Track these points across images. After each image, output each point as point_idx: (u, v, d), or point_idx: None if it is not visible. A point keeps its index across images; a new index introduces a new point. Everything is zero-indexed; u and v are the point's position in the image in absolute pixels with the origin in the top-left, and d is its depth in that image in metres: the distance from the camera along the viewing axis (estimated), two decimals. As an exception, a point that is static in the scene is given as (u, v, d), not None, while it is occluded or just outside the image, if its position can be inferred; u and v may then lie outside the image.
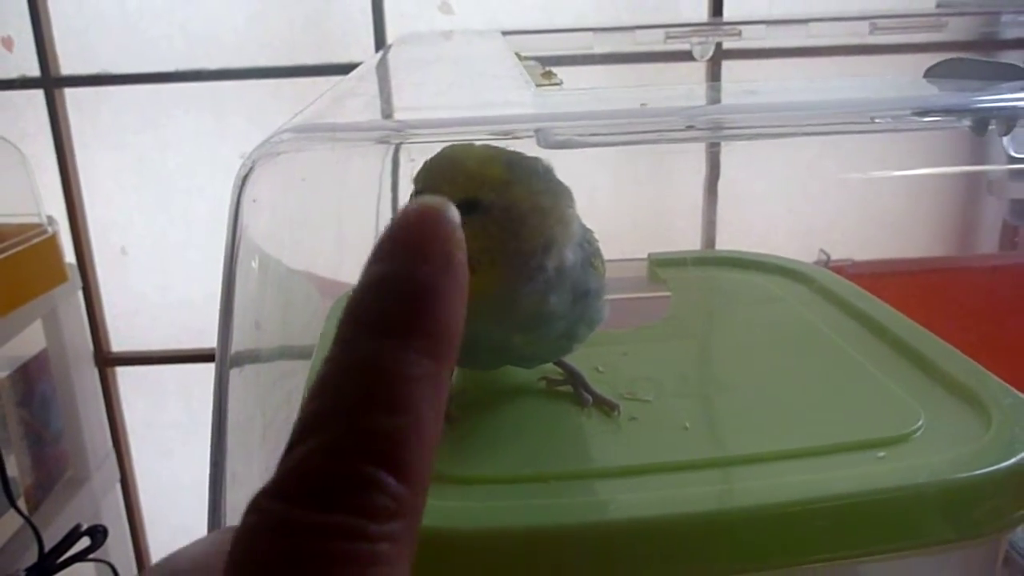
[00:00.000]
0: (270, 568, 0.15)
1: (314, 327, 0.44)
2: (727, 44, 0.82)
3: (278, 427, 0.35)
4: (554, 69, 0.69)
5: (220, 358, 0.28)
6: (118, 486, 1.08)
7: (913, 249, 1.03)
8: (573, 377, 0.37)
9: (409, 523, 0.16)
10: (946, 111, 0.28)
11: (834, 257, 0.81)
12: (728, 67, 0.93)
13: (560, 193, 0.31)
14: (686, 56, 0.72)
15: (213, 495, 0.29)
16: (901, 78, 0.28)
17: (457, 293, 0.17)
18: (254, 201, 0.25)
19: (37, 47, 0.97)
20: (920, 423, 0.33)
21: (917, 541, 0.29)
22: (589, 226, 0.36)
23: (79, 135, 1.01)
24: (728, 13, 0.93)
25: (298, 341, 0.42)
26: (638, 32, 0.69)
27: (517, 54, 0.61)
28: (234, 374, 0.31)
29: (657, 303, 0.48)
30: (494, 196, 0.29)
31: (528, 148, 0.28)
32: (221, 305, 0.28)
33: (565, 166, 0.29)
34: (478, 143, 0.29)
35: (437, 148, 0.26)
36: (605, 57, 0.80)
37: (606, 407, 0.35)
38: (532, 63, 0.56)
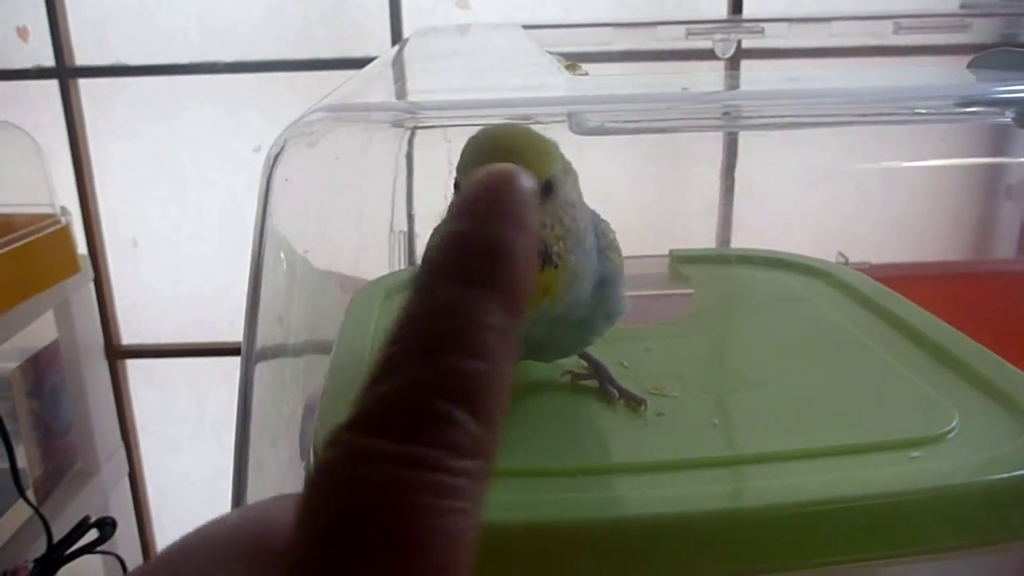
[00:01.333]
0: (355, 493, 0.15)
1: (334, 321, 0.44)
2: (748, 43, 0.81)
3: (298, 420, 0.34)
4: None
5: (247, 349, 0.27)
6: (127, 479, 1.08)
7: (930, 253, 1.02)
8: (598, 371, 0.37)
9: (485, 464, 0.16)
10: (990, 103, 0.27)
11: (852, 260, 0.81)
12: (748, 67, 0.92)
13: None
14: (707, 54, 0.72)
15: (237, 487, 0.29)
16: (942, 69, 0.28)
17: (530, 253, 0.17)
18: (286, 180, 0.25)
19: (52, 37, 0.97)
20: (954, 424, 0.32)
21: (947, 544, 0.29)
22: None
23: (93, 126, 1.01)
24: (748, 11, 0.92)
25: (319, 335, 0.42)
26: (659, 28, 0.68)
27: (542, 48, 0.60)
28: (258, 367, 0.30)
29: (679, 300, 0.47)
30: (562, 178, 0.29)
31: (559, 134, 0.27)
32: (248, 293, 0.28)
33: (582, 158, 0.28)
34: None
35: (469, 131, 0.25)
36: (625, 54, 0.79)
37: (633, 402, 0.34)
38: (555, 57, 0.55)
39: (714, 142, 0.90)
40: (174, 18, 0.98)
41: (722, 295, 0.47)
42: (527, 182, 0.18)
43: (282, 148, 0.25)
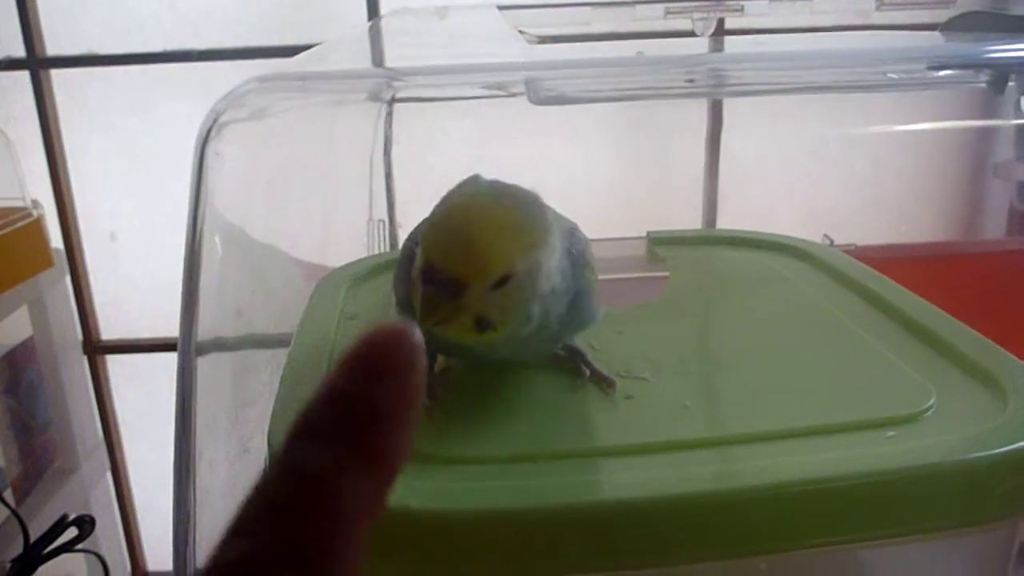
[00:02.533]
0: None
1: (292, 311, 0.43)
2: (730, 22, 0.80)
3: (252, 412, 0.33)
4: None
5: (184, 343, 0.26)
6: (108, 475, 1.06)
7: (918, 234, 1.01)
8: (573, 353, 0.36)
9: None
10: (963, 65, 0.26)
11: (837, 242, 0.80)
12: (731, 44, 0.91)
13: (543, 217, 0.31)
14: (687, 34, 0.70)
15: (179, 485, 0.28)
16: (917, 36, 0.26)
17: (410, 420, 0.18)
18: (217, 155, 0.23)
19: (22, 27, 0.95)
20: (932, 402, 0.31)
21: (927, 525, 0.28)
22: (583, 212, 0.34)
23: (66, 118, 0.99)
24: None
25: (275, 328, 0.41)
26: (637, 8, 0.67)
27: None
28: (206, 361, 0.29)
29: (655, 282, 0.46)
30: (521, 266, 0.30)
31: (519, 105, 0.26)
32: (184, 283, 0.26)
33: (559, 132, 0.27)
34: (480, 192, 0.29)
35: (420, 106, 0.24)
36: (603, 35, 0.78)
37: (604, 383, 0.33)
38: (528, 36, 0.54)
39: (698, 112, 0.89)
40: (146, 5, 0.96)
41: (700, 276, 0.46)
42: (414, 340, 0.18)
43: (213, 123, 0.23)
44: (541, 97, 0.25)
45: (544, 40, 0.65)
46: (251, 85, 0.23)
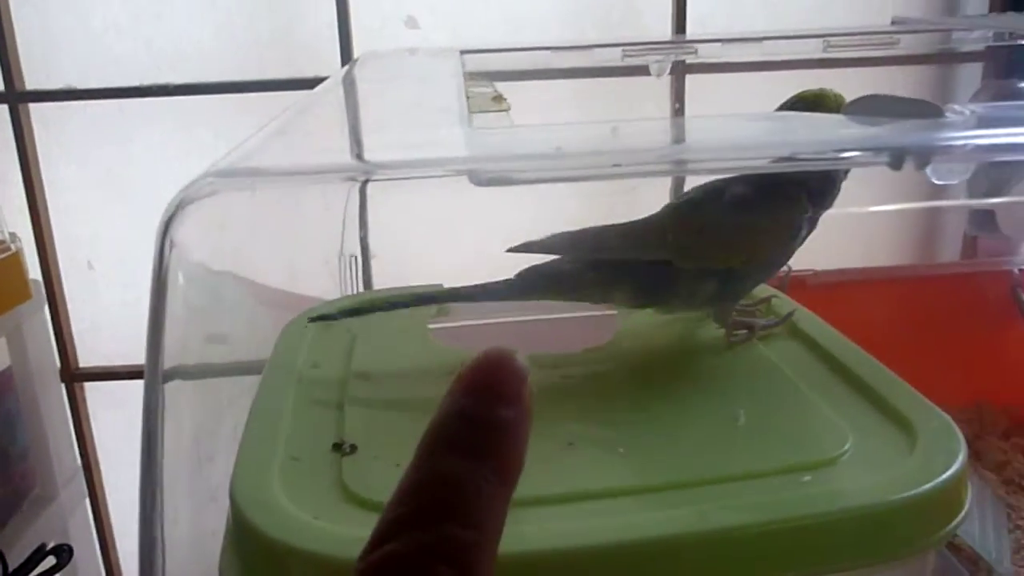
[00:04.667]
0: None
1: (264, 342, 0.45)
2: (688, 59, 0.83)
3: (219, 458, 0.35)
4: (515, 83, 0.69)
5: (151, 378, 0.28)
6: (87, 503, 1.08)
7: (876, 259, 1.04)
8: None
9: None
10: (864, 149, 0.29)
11: (796, 267, 0.83)
12: (691, 79, 0.94)
13: None
14: (644, 70, 0.73)
15: (146, 518, 0.29)
16: (822, 118, 0.29)
17: (525, 431, 0.21)
18: (176, 244, 0.26)
19: (1, 62, 0.97)
20: (848, 446, 0.34)
21: (840, 565, 0.30)
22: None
23: (44, 150, 1.01)
24: (691, 25, 0.94)
25: (246, 357, 0.43)
26: (596, 51, 0.70)
27: (472, 73, 0.61)
28: (173, 388, 0.31)
29: (606, 321, 0.48)
30: None
31: (462, 185, 0.28)
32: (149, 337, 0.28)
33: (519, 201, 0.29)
34: None
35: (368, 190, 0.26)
36: (565, 72, 0.81)
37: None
38: (485, 84, 0.56)
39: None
40: (124, 41, 0.98)
41: (645, 317, 0.48)
42: (521, 363, 0.21)
43: (174, 213, 0.26)
44: (482, 181, 0.27)
45: (507, 77, 0.68)
46: (208, 180, 0.25)
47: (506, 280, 0.42)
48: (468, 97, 0.49)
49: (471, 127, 0.30)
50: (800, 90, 0.36)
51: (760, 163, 0.28)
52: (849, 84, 0.95)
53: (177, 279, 0.27)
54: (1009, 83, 0.88)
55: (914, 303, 0.89)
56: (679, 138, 0.29)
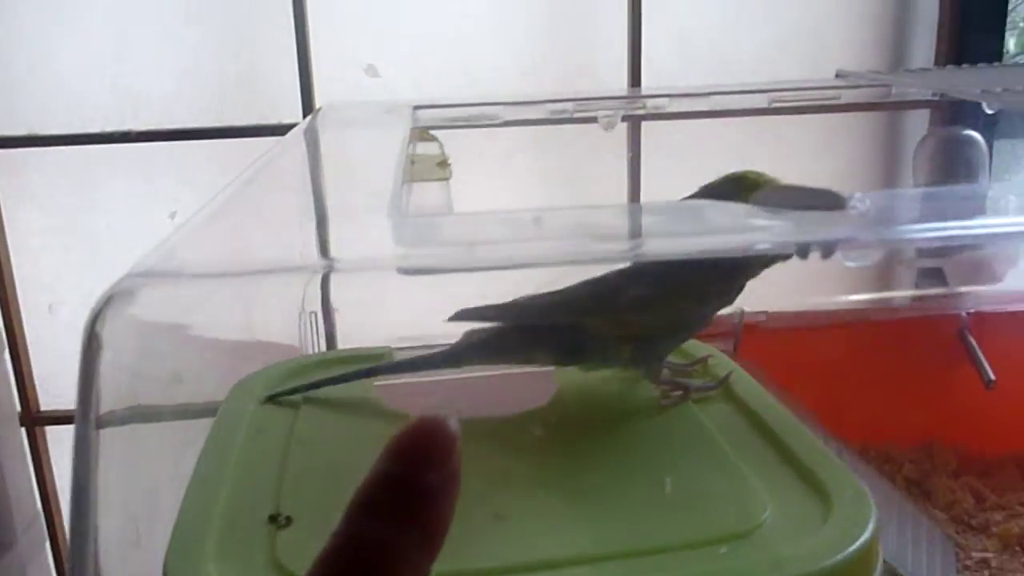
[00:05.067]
0: None
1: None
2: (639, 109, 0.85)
3: (158, 526, 0.36)
4: (471, 130, 0.71)
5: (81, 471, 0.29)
6: (47, 546, 1.07)
7: (829, 303, 1.06)
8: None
9: None
10: (775, 244, 0.30)
11: (749, 311, 0.84)
12: (646, 126, 0.96)
13: None
14: (593, 119, 0.75)
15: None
16: (734, 210, 0.31)
17: (453, 496, 0.21)
18: (100, 347, 0.27)
19: (-37, 109, 0.98)
20: (766, 515, 0.35)
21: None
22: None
23: (6, 195, 1.01)
24: (646, 74, 0.96)
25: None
26: (547, 105, 0.72)
27: (423, 130, 0.63)
28: (111, 434, 0.32)
29: (544, 380, 0.49)
30: None
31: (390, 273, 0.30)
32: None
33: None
34: None
35: (289, 290, 0.27)
36: (521, 121, 0.82)
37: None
38: (433, 146, 0.58)
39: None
40: (87, 87, 0.99)
41: (582, 380, 0.49)
42: (453, 427, 0.21)
43: (99, 312, 0.27)
44: (407, 271, 0.28)
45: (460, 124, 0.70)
46: (129, 281, 0.26)
47: (443, 350, 0.44)
48: (412, 162, 0.51)
49: (400, 217, 0.31)
50: (730, 170, 0.38)
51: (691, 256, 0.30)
52: (796, 130, 0.98)
53: (104, 378, 0.28)
54: (954, 130, 0.90)
55: (865, 345, 0.91)
56: (593, 229, 0.30)
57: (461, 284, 0.34)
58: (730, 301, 0.44)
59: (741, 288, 0.43)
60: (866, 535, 0.33)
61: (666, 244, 0.28)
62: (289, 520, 0.36)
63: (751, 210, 0.31)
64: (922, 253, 0.82)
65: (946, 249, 0.69)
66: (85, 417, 0.27)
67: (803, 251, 0.30)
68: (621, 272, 0.42)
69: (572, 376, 0.48)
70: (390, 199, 0.34)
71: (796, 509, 0.36)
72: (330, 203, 0.40)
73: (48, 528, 1.07)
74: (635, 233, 0.29)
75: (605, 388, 0.47)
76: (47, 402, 1.09)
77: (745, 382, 0.48)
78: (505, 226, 0.30)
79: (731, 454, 0.40)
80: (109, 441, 0.33)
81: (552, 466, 0.40)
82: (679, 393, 0.45)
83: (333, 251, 0.30)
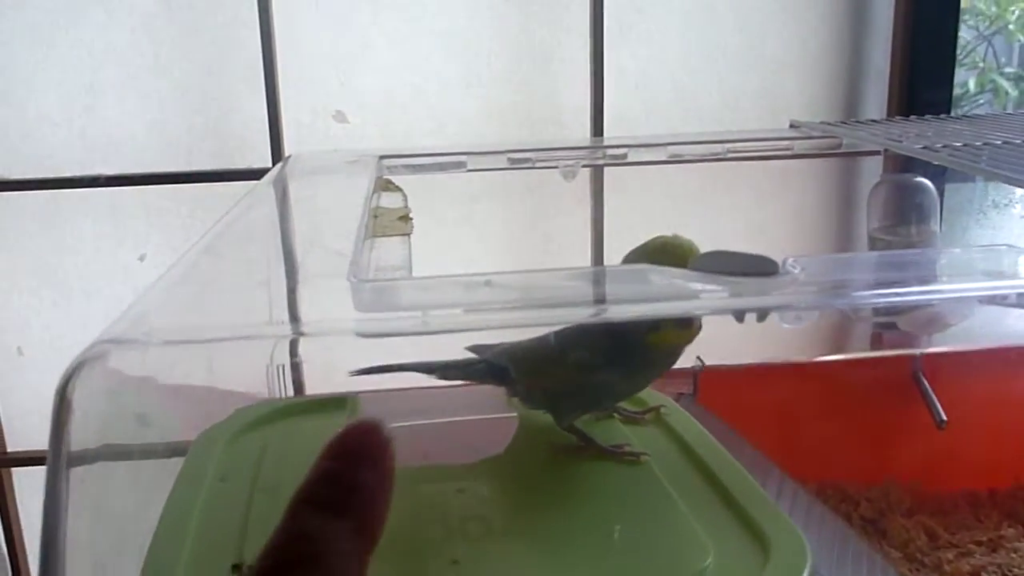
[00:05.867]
0: None
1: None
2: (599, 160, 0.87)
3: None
4: (436, 175, 0.73)
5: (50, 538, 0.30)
6: (12, 589, 1.07)
7: (789, 351, 1.08)
8: (589, 443, 0.47)
9: None
10: (713, 309, 0.32)
11: (709, 362, 0.86)
12: (608, 172, 0.99)
13: None
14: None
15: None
16: (673, 274, 0.33)
17: (386, 492, 0.23)
18: (72, 411, 0.28)
19: (-66, 155, 0.98)
20: (708, 562, 0.37)
21: None
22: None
23: (-26, 239, 1.02)
24: (608, 120, 0.99)
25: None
26: (508, 155, 0.74)
27: (388, 181, 0.65)
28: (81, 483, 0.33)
29: (505, 424, 0.51)
30: None
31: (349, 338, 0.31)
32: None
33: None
34: None
35: (253, 356, 0.29)
36: (485, 168, 0.84)
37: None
38: (397, 198, 0.60)
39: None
40: (56, 133, 1.00)
41: (544, 424, 0.51)
42: (386, 431, 0.23)
43: (70, 377, 0.28)
44: (367, 333, 0.30)
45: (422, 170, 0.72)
46: (101, 347, 0.28)
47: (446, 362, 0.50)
48: (375, 216, 0.53)
49: (358, 282, 0.33)
50: (658, 234, 0.40)
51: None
52: (752, 176, 1.01)
53: (74, 437, 0.29)
54: (906, 177, 0.93)
55: (822, 386, 0.93)
56: (541, 294, 0.32)
57: (416, 344, 0.36)
58: (639, 385, 0.49)
59: (652, 371, 0.46)
60: (801, 582, 0.35)
61: (610, 311, 0.30)
62: (252, 569, 0.37)
63: (689, 275, 0.33)
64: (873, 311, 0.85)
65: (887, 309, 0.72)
66: (56, 471, 0.29)
67: (739, 316, 0.32)
68: (552, 333, 0.46)
69: (530, 421, 0.50)
70: (351, 260, 0.36)
71: (736, 556, 0.37)
72: (298, 260, 0.41)
73: (13, 570, 1.06)
74: (582, 298, 0.31)
75: (560, 435, 0.49)
76: (14, 443, 1.09)
77: (693, 429, 0.49)
78: (459, 289, 0.32)
79: (678, 501, 0.42)
80: (79, 490, 0.34)
81: (507, 512, 0.42)
82: (581, 445, 0.48)
83: (300, 311, 0.31)
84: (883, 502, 0.90)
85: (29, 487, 1.11)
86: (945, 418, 0.89)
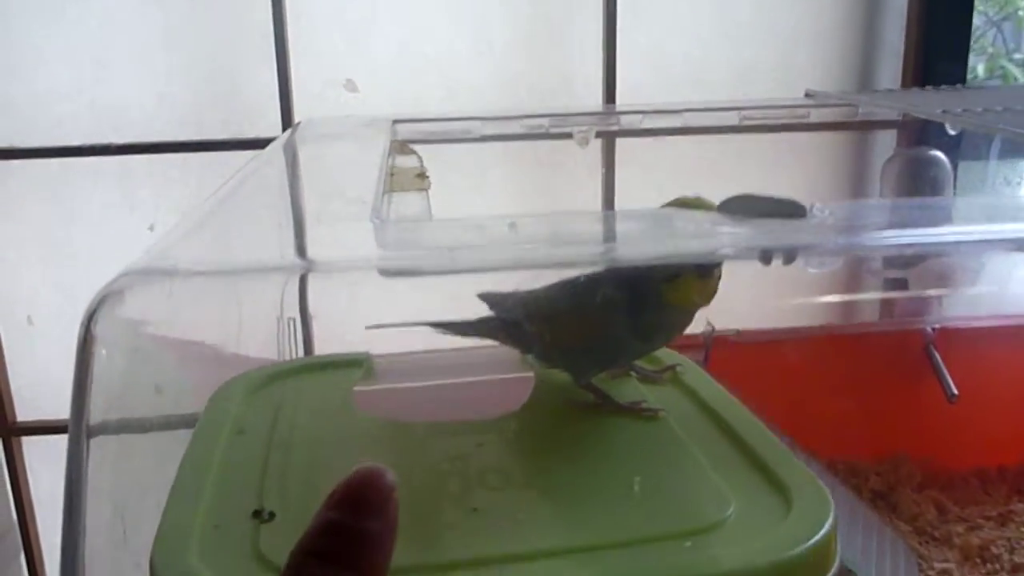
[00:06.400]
0: None
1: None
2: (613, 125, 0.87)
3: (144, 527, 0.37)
4: (447, 146, 0.72)
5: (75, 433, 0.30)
6: (22, 558, 1.07)
7: (799, 320, 1.08)
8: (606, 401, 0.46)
9: None
10: (740, 250, 0.32)
11: (719, 328, 0.86)
12: (620, 143, 0.98)
13: None
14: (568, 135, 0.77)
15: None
16: (700, 216, 0.32)
17: (390, 542, 0.23)
18: (95, 342, 0.28)
19: (-58, 121, 0.98)
20: (730, 511, 0.36)
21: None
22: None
23: (-17, 207, 1.02)
24: (621, 92, 0.98)
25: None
26: (524, 120, 0.73)
27: (402, 143, 0.64)
28: (97, 459, 0.33)
29: (523, 384, 0.50)
30: None
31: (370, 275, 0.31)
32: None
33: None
34: None
35: (267, 288, 0.29)
36: (497, 136, 0.84)
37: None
38: (412, 159, 0.60)
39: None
40: (65, 103, 1.00)
41: (563, 383, 0.51)
42: (389, 479, 0.23)
43: (96, 309, 0.28)
44: (389, 273, 0.30)
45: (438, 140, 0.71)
46: (126, 279, 0.27)
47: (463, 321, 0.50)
48: (392, 174, 0.52)
49: (380, 222, 0.33)
50: (699, 186, 0.40)
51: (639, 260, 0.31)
52: (765, 149, 1.00)
53: (99, 376, 0.29)
54: (920, 150, 0.93)
55: (834, 360, 0.93)
56: (566, 235, 0.32)
57: (434, 290, 0.36)
58: (655, 342, 0.48)
59: (668, 327, 0.46)
60: (824, 529, 0.35)
61: (635, 249, 0.30)
62: (272, 515, 0.37)
63: (716, 218, 0.33)
64: (887, 263, 0.84)
65: (909, 259, 0.71)
66: (79, 415, 0.28)
67: (766, 257, 0.32)
68: (561, 283, 0.45)
69: (547, 380, 0.50)
70: (372, 206, 0.36)
71: (758, 506, 0.37)
72: (311, 211, 0.41)
73: (23, 539, 1.07)
74: (607, 238, 0.31)
75: (577, 392, 0.48)
76: (24, 413, 1.09)
77: (710, 387, 0.49)
78: (483, 231, 0.32)
79: (697, 454, 0.42)
80: (99, 443, 0.34)
81: (526, 465, 0.42)
82: (597, 401, 0.48)
83: (321, 252, 0.31)
84: (893, 476, 0.89)
85: (39, 456, 1.11)
86: (956, 392, 0.88)
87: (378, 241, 0.31)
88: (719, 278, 0.42)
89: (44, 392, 1.09)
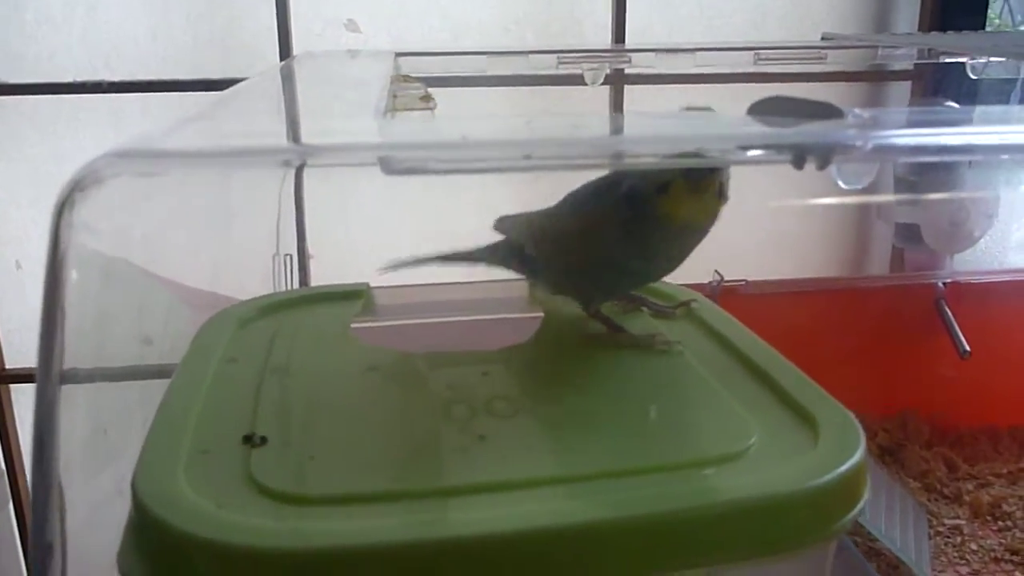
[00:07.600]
0: None
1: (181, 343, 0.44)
2: (624, 69, 0.84)
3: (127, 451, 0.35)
4: (448, 90, 0.70)
5: (43, 377, 0.27)
6: (10, 506, 1.05)
7: (807, 271, 1.06)
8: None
9: None
10: (767, 146, 0.29)
11: (728, 278, 0.84)
12: (628, 90, 0.95)
13: None
14: (578, 79, 0.74)
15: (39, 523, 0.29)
16: (726, 117, 0.30)
17: None
18: (77, 226, 0.25)
19: (-72, 56, 0.95)
20: (753, 440, 0.34)
21: (739, 553, 0.31)
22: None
23: (-29, 146, 0.99)
24: (630, 35, 0.95)
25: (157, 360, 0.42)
26: (531, 57, 0.70)
27: (405, 76, 0.62)
28: (72, 390, 0.31)
29: (528, 323, 0.49)
30: None
31: (374, 175, 0.28)
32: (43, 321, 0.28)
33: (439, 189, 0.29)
34: None
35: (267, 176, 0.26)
36: (501, 79, 0.81)
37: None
38: (417, 86, 0.57)
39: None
40: (56, 37, 0.97)
41: (571, 317, 0.49)
42: None
43: (68, 196, 0.25)
44: (392, 170, 0.27)
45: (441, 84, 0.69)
46: (104, 160, 0.25)
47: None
48: (395, 96, 0.49)
49: (384, 118, 0.30)
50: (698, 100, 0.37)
51: (662, 158, 0.29)
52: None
53: (74, 272, 0.26)
54: (936, 101, 0.90)
55: (842, 314, 0.91)
56: (586, 132, 0.29)
57: (430, 222, 0.33)
58: (660, 265, 0.45)
59: (666, 253, 0.44)
60: (856, 458, 0.33)
61: (663, 144, 0.27)
62: (264, 440, 0.35)
63: (745, 119, 0.30)
64: (898, 186, 0.81)
65: (930, 180, 0.69)
66: (51, 315, 0.26)
67: (799, 158, 0.29)
68: (564, 199, 0.44)
69: (555, 317, 0.48)
70: (374, 107, 0.33)
71: (784, 436, 0.35)
72: (308, 109, 0.39)
73: (11, 486, 1.05)
74: (626, 136, 0.28)
75: (586, 325, 0.46)
76: (12, 360, 1.06)
77: (729, 323, 0.47)
78: (497, 124, 0.29)
79: (717, 386, 0.40)
80: (75, 354, 0.32)
81: (536, 393, 0.40)
82: (611, 334, 0.46)
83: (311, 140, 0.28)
84: (901, 433, 0.88)
85: (27, 404, 1.09)
86: (968, 349, 0.86)
87: (382, 134, 0.28)
88: (719, 196, 0.40)
89: (33, 339, 1.06)
